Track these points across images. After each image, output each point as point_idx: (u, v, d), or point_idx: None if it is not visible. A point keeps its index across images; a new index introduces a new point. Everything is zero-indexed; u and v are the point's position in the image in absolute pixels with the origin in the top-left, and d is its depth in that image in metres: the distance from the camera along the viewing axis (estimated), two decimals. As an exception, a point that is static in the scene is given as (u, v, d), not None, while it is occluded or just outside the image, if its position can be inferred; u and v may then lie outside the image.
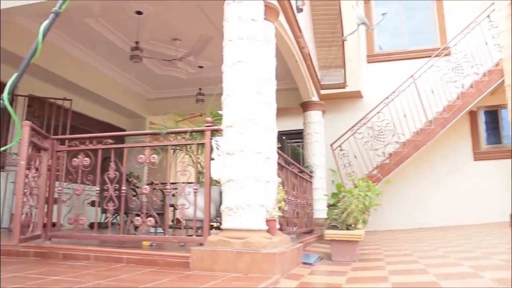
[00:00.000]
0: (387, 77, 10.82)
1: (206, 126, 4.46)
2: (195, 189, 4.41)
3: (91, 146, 4.87)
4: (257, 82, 4.20)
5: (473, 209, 10.12)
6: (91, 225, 6.02)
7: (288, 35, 6.21)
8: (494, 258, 4.77)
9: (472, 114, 10.54)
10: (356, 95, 10.98)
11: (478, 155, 10.57)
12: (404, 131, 9.95)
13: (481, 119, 10.84)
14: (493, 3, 9.53)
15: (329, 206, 5.98)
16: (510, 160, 9.48)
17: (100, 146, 4.84)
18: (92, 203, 5.81)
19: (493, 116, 10.88)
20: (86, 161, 4.80)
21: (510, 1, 9.04)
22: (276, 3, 4.88)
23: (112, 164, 4.70)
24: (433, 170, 10.50)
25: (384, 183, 9.11)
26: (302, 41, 7.04)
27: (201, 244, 4.05)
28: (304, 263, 4.67)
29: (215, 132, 4.46)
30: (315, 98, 9.07)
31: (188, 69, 8.72)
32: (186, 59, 8.34)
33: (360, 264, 4.85)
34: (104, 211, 4.79)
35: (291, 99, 9.24)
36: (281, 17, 5.38)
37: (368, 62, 11.27)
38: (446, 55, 10.14)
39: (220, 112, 4.35)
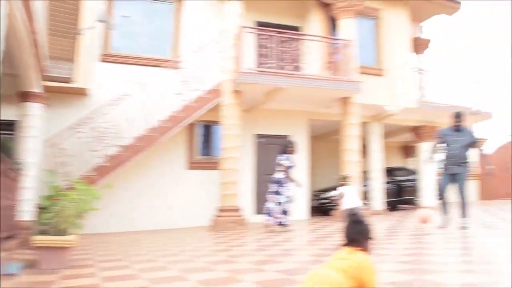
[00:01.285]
0: (120, 79, 10.68)
1: None
2: None
3: None
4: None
5: (184, 214, 10.92)
6: None
7: (20, 16, 5.53)
8: (199, 261, 5.22)
9: (191, 127, 11.37)
10: (85, 93, 10.46)
11: (192, 165, 11.46)
12: (128, 135, 10.01)
13: (198, 132, 11.80)
14: (224, 31, 10.56)
15: (40, 209, 5.56)
16: (216, 171, 10.57)
17: None
18: None
19: (208, 130, 11.99)
20: None
21: (238, 33, 10.20)
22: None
23: None
24: (151, 175, 10.88)
25: (104, 187, 8.96)
26: (35, 26, 6.37)
27: None
28: (6, 274, 4.18)
29: None
30: (37, 89, 8.29)
31: None
32: None
33: (71, 271, 4.63)
34: None
35: (6, 86, 8.16)
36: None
37: (103, 61, 10.90)
38: (177, 68, 10.73)
39: None
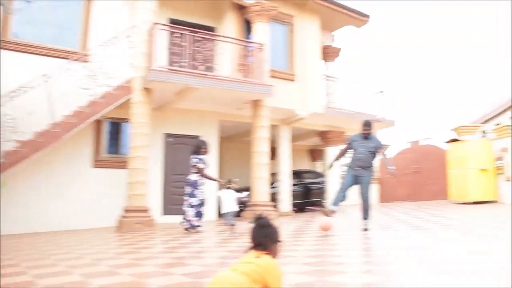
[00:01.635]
0: (20, 69, 9.86)
1: None
2: None
3: None
4: None
5: (89, 214, 10.43)
6: None
7: None
8: (102, 265, 5.00)
9: (98, 123, 10.91)
10: (-23, 82, 9.68)
11: (98, 163, 10.98)
12: (29, 130, 9.35)
13: (106, 129, 11.35)
14: (135, 25, 10.24)
15: None
16: (125, 170, 10.22)
17: None
18: None
19: (116, 128, 11.57)
20: None
21: (150, 29, 9.93)
22: None
23: None
24: (54, 174, 10.24)
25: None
26: None
27: None
28: None
29: None
30: None
31: None
32: None
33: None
34: None
35: None
36: None
37: (1, 48, 10.05)
38: (85, 61, 10.23)
39: None
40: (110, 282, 3.98)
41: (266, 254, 2.49)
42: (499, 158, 14.34)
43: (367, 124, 7.74)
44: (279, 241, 2.62)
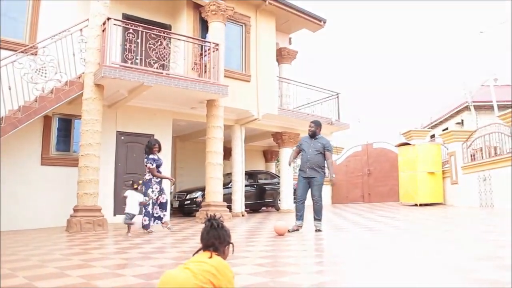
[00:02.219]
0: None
1: None
2: None
3: None
4: None
5: (36, 213, 10.05)
6: None
7: None
8: (49, 266, 4.82)
9: (47, 119, 10.53)
10: None
11: (46, 160, 10.59)
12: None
13: (55, 125, 10.97)
14: (88, 20, 9.95)
15: None
16: (75, 168, 9.90)
17: None
18: None
19: (66, 124, 11.20)
20: None
21: (103, 24, 9.68)
22: None
23: None
24: (-1, 170, 9.84)
25: None
26: None
27: None
28: None
29: None
30: None
31: None
32: None
33: None
34: None
35: None
36: None
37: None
38: (33, 54, 9.85)
39: None
40: (58, 285, 3.84)
41: (217, 255, 2.48)
42: (447, 162, 14.91)
43: (313, 122, 7.90)
44: (230, 243, 2.62)
